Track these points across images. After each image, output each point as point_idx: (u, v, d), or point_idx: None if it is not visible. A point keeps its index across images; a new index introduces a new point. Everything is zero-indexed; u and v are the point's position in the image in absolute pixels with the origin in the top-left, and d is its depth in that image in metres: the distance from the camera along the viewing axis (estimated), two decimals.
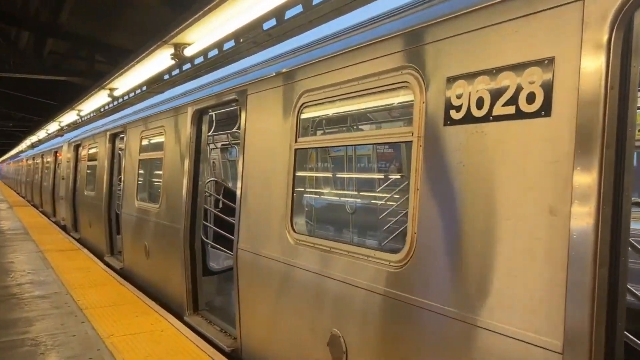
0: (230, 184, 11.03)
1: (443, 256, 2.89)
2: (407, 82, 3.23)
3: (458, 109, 2.85)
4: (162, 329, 5.91)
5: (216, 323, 6.16)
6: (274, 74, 4.73)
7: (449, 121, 2.91)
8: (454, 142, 2.87)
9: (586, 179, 2.26)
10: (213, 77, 6.19)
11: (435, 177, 2.98)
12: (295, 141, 4.32)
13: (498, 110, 2.63)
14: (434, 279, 2.93)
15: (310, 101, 4.19)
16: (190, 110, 6.61)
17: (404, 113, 6.42)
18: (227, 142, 13.24)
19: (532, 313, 2.41)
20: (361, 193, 7.98)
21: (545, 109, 2.41)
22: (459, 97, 2.85)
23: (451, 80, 2.91)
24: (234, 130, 9.28)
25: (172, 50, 5.88)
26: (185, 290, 6.59)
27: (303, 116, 4.31)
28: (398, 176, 7.94)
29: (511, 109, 2.56)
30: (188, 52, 5.97)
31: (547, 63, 2.41)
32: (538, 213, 2.41)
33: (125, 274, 9.02)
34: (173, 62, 6.27)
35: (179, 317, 6.53)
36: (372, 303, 3.41)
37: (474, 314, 2.68)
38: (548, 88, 2.40)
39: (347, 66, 3.76)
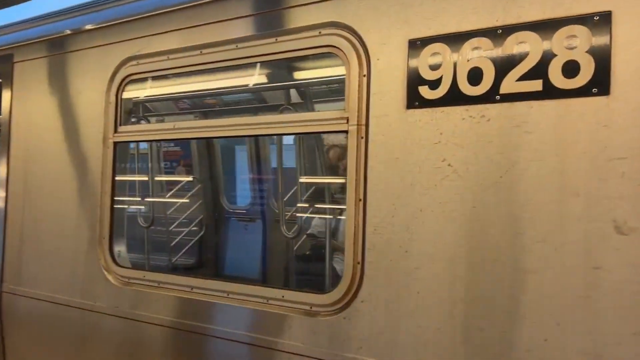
0: None
1: (418, 298, 2.00)
2: (335, 46, 2.25)
3: (434, 84, 2.00)
4: None
5: None
6: (70, 32, 3.20)
7: (417, 102, 2.03)
8: (430, 131, 2.00)
9: None
10: None
11: (394, 182, 2.07)
12: (115, 131, 2.92)
13: (510, 86, 1.85)
14: (401, 333, 2.02)
15: (142, 72, 2.85)
16: None
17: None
18: None
19: None
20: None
21: (599, 85, 1.71)
22: (434, 67, 2.00)
23: (418, 44, 2.04)
24: None
25: None
26: None
27: (129, 96, 2.94)
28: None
29: (535, 85, 1.80)
30: None
31: (598, 20, 1.72)
32: (595, 231, 1.70)
33: None
34: None
35: None
36: None
37: None
38: (603, 55, 1.70)
39: (217, 22, 2.58)
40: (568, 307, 1.73)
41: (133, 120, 3.19)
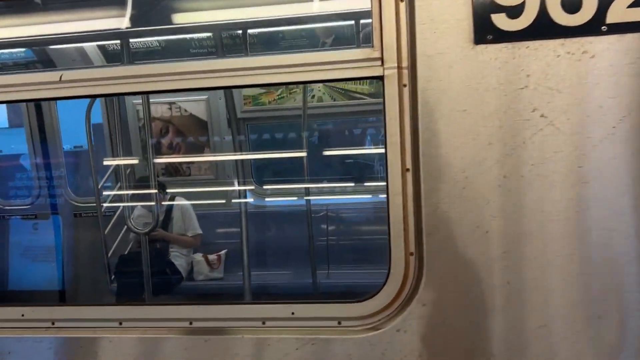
0: None
1: (508, 291, 1.53)
2: None
3: (514, 11, 1.52)
4: None
5: None
6: None
7: (490, 35, 1.53)
8: (512, 73, 1.52)
9: None
10: None
11: (462, 142, 1.54)
12: None
13: (621, 14, 1.47)
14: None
15: None
16: None
17: None
18: None
19: None
20: None
21: None
22: None
23: None
24: None
25: None
26: None
27: None
28: None
29: None
30: None
31: None
32: None
33: None
34: None
35: None
36: None
37: None
38: None
39: None
40: None
41: None
